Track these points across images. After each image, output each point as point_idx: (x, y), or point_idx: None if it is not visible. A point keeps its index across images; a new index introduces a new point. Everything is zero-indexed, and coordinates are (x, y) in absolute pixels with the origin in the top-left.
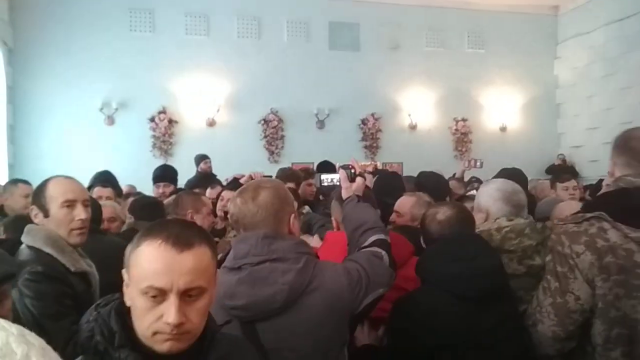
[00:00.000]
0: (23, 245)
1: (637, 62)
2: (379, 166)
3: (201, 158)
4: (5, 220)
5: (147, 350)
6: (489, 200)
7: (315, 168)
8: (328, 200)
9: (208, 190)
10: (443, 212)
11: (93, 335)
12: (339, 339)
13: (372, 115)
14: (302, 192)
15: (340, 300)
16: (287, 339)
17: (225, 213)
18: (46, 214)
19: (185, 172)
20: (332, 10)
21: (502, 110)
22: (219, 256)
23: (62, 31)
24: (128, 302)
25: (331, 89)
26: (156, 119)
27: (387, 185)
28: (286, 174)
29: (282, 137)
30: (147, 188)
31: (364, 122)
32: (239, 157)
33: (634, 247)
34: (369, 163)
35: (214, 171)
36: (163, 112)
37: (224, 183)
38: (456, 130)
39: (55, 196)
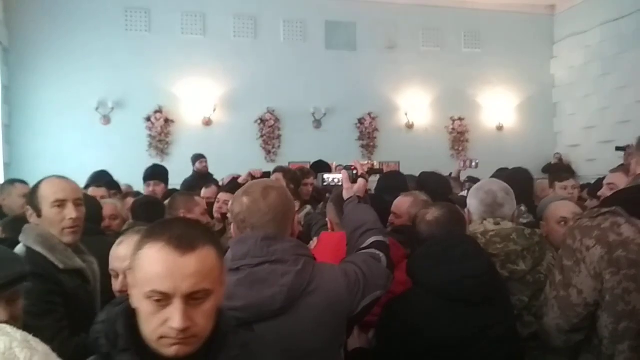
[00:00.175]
0: (20, 245)
1: (633, 62)
2: (376, 165)
3: (197, 157)
4: (4, 220)
5: (154, 354)
6: (470, 199)
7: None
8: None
9: (203, 190)
10: (432, 213)
11: (100, 337)
12: (336, 341)
13: (369, 114)
14: (299, 192)
15: (339, 302)
16: (285, 340)
17: (223, 215)
18: (39, 214)
19: (182, 172)
20: (329, 10)
21: (499, 109)
22: None
23: (57, 30)
24: (134, 305)
25: (328, 89)
26: (152, 119)
27: (390, 186)
28: (289, 176)
29: (279, 136)
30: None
31: (360, 121)
32: (236, 156)
33: None
34: (366, 162)
35: (210, 171)
36: (159, 111)
37: (220, 183)
38: (453, 129)
39: (46, 196)
